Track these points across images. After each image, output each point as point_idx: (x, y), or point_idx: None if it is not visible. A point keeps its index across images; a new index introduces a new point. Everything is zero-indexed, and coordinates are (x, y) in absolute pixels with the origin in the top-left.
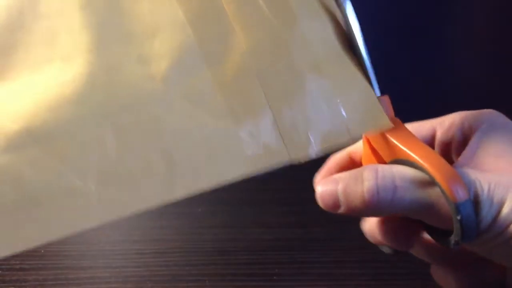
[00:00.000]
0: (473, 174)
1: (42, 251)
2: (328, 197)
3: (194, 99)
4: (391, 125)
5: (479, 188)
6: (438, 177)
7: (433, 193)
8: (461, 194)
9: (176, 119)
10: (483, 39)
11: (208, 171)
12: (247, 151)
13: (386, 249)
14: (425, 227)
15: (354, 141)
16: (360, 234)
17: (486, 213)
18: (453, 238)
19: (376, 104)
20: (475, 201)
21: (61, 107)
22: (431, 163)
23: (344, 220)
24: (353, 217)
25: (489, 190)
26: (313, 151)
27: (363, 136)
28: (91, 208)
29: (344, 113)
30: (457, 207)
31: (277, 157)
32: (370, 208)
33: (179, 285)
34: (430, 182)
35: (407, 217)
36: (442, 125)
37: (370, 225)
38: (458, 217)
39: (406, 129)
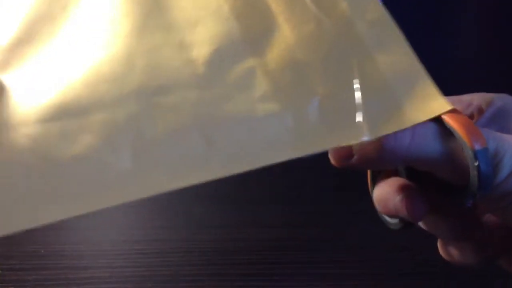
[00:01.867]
0: (491, 132)
1: (42, 251)
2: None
3: (237, 83)
4: (449, 106)
5: (498, 141)
6: (456, 126)
7: (451, 143)
8: (479, 142)
9: (217, 101)
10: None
11: (249, 152)
12: (292, 135)
13: (394, 224)
14: (437, 187)
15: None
16: (360, 234)
17: (505, 164)
18: (468, 190)
19: (436, 92)
20: (494, 153)
21: (97, 84)
22: (449, 114)
23: (344, 220)
24: (352, 217)
25: (509, 144)
26: (365, 137)
27: None
28: (123, 183)
29: (400, 100)
30: (475, 154)
31: (324, 142)
32: (386, 153)
33: (179, 285)
34: (449, 133)
35: (421, 183)
36: (461, 102)
37: (383, 191)
38: (476, 163)
39: None
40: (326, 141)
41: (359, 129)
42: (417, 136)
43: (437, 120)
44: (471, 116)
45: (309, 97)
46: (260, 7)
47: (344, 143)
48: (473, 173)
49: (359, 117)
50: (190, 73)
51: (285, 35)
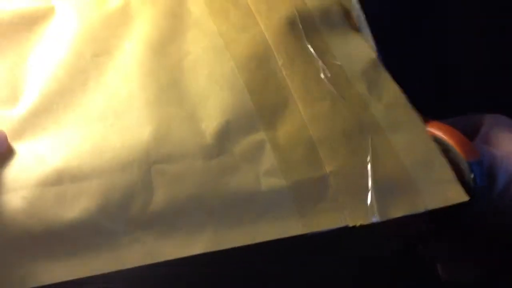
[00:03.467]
0: (485, 148)
1: None
2: None
3: (244, 155)
4: (465, 197)
5: (492, 158)
6: (452, 142)
7: (448, 159)
8: (474, 155)
9: (222, 172)
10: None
11: (250, 226)
12: (297, 211)
13: None
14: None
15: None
16: (361, 234)
17: (499, 179)
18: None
19: (453, 179)
20: (489, 168)
21: (103, 152)
22: (445, 132)
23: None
24: None
25: (502, 159)
26: (376, 218)
27: None
28: (116, 250)
29: (415, 183)
30: (470, 165)
31: (331, 221)
32: None
33: (179, 285)
34: (445, 150)
35: None
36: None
37: None
38: (472, 176)
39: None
40: (333, 220)
41: (369, 210)
42: None
43: (435, 140)
44: None
45: (318, 174)
46: (276, 83)
47: (352, 223)
48: (469, 185)
49: (369, 198)
50: (197, 143)
51: (299, 112)
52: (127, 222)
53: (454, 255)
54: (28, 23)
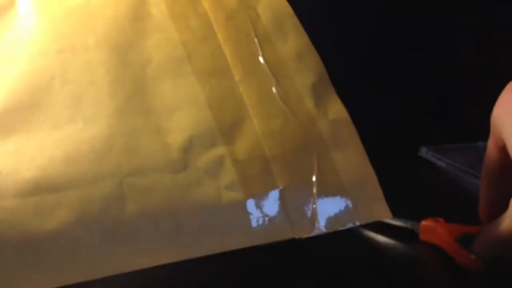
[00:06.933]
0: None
1: None
2: None
3: (207, 170)
4: (390, 215)
5: None
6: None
7: None
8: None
9: (188, 186)
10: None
11: (213, 237)
12: (253, 223)
13: None
14: None
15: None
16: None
17: None
18: None
19: (382, 198)
20: None
21: (77, 162)
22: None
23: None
24: None
25: None
26: (317, 232)
27: None
28: (92, 260)
29: (351, 200)
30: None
31: (281, 233)
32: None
33: (179, 285)
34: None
35: None
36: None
37: None
38: None
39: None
40: (283, 232)
41: (313, 224)
42: None
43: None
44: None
45: (271, 188)
46: (233, 98)
47: (298, 235)
48: None
49: (313, 213)
50: (165, 157)
51: (254, 127)
52: (102, 233)
53: None
54: None
